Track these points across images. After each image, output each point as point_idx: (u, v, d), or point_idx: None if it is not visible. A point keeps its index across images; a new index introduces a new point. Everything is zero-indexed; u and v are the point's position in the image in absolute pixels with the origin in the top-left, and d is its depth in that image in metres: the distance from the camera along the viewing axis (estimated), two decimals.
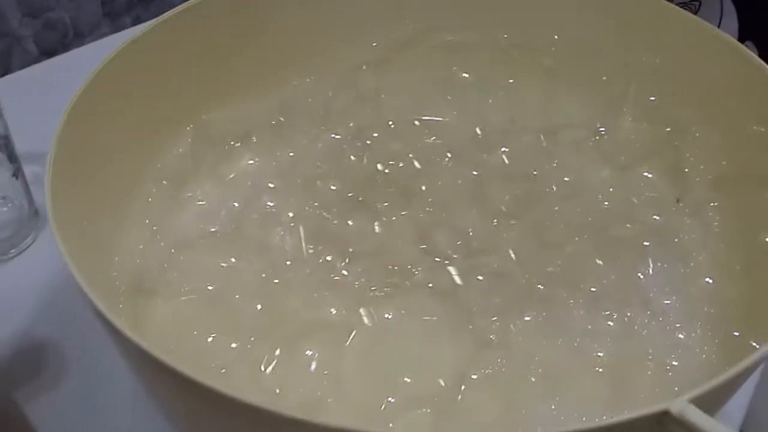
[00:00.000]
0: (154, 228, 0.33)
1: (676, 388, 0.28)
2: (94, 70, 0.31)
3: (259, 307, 0.30)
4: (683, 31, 0.33)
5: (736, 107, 0.32)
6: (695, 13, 0.51)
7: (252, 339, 0.29)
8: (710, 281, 0.31)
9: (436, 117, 0.41)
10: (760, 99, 0.30)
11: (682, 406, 0.19)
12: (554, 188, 0.36)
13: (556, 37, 0.38)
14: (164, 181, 0.35)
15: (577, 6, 0.37)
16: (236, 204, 0.35)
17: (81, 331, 0.34)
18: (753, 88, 0.30)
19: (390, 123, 0.40)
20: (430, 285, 0.32)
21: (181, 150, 0.36)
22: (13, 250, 0.39)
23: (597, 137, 0.38)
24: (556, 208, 0.35)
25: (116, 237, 0.32)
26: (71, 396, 0.32)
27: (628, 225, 0.34)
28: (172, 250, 0.33)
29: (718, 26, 0.50)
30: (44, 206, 0.39)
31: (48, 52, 0.91)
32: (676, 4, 0.48)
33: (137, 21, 1.08)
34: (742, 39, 0.50)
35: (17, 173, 0.38)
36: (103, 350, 0.28)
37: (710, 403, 0.19)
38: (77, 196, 0.28)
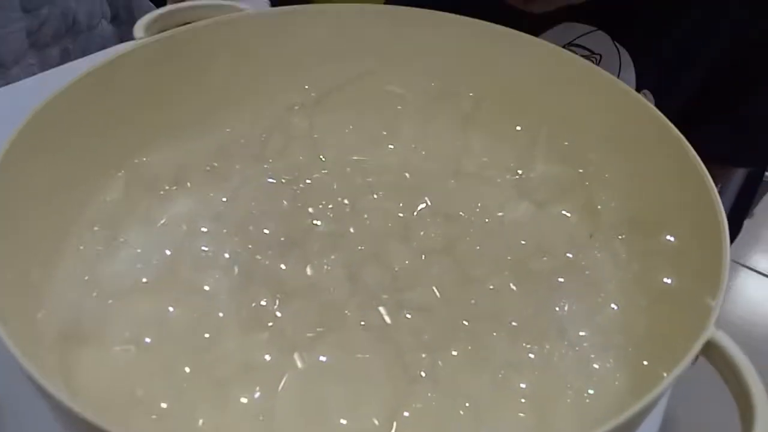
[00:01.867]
0: (86, 277, 0.33)
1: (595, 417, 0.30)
2: (24, 120, 0.31)
3: (192, 354, 0.31)
4: (587, 81, 0.36)
5: (636, 154, 0.34)
6: (597, 63, 0.55)
7: (185, 386, 0.30)
8: (620, 314, 0.34)
9: (365, 158, 0.43)
10: (657, 147, 0.33)
11: None
12: (476, 227, 0.39)
13: (472, 86, 0.41)
14: (96, 227, 0.36)
15: (495, 57, 0.40)
16: (169, 250, 0.36)
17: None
18: (649, 136, 0.33)
19: (323, 165, 0.42)
20: (362, 323, 0.33)
21: (114, 196, 0.37)
22: None
23: (516, 177, 0.40)
24: (478, 247, 0.37)
25: (46, 287, 0.32)
26: None
27: (544, 259, 0.37)
28: (104, 299, 0.33)
29: (618, 77, 0.54)
30: None
31: None
32: (581, 56, 0.51)
33: (65, 52, 1.07)
34: (639, 88, 0.54)
35: None
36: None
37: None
38: (3, 246, 0.28)
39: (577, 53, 0.53)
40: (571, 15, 0.54)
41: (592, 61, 0.53)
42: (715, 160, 0.60)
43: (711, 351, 0.23)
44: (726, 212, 0.68)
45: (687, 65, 0.54)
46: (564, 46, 0.54)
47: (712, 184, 0.30)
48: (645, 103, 0.34)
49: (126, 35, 1.16)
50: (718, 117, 0.56)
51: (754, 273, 1.44)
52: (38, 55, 1.03)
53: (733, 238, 0.77)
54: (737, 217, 0.75)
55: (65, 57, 1.06)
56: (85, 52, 1.08)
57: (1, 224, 0.29)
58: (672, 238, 0.33)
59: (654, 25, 0.54)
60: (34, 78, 0.64)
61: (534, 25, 0.56)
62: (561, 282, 0.36)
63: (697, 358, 0.23)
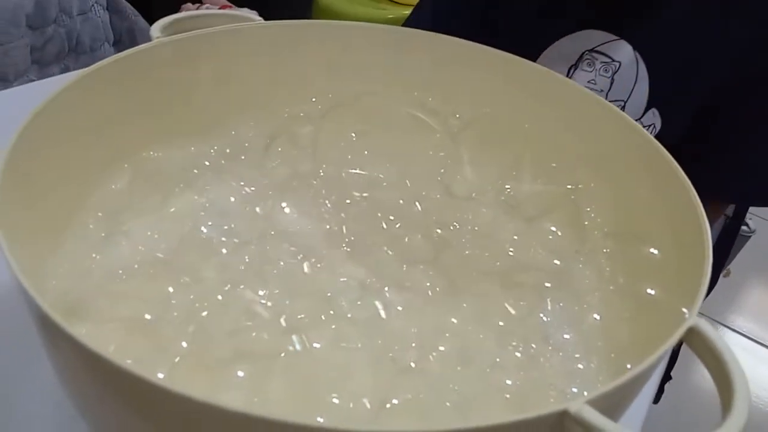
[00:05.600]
0: (93, 255, 0.34)
1: None
2: (37, 106, 0.32)
3: (189, 333, 0.31)
4: (575, 101, 0.39)
5: (623, 170, 0.36)
6: (615, 72, 0.58)
7: (177, 361, 0.30)
8: (603, 323, 0.35)
9: (364, 171, 0.44)
10: (643, 164, 0.35)
11: (579, 406, 0.22)
12: (466, 238, 0.40)
13: (467, 106, 0.43)
14: (99, 213, 0.37)
15: (491, 78, 0.42)
16: (171, 239, 0.37)
17: None
18: (636, 154, 0.35)
19: (322, 172, 0.43)
20: (357, 316, 0.34)
21: (119, 186, 0.38)
22: None
23: (505, 194, 0.42)
24: (467, 254, 0.38)
25: (51, 264, 0.33)
26: None
27: (532, 270, 0.38)
28: (106, 279, 0.34)
29: (632, 89, 0.57)
30: None
31: None
32: (601, 62, 0.54)
33: (65, 71, 1.08)
34: (649, 106, 0.57)
35: None
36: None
37: (604, 405, 0.22)
38: (19, 222, 0.29)
39: (597, 59, 0.57)
40: (598, 22, 0.58)
41: (612, 68, 0.56)
42: (711, 194, 0.64)
43: (693, 337, 0.25)
44: None
45: (697, 87, 0.57)
46: (586, 52, 0.57)
47: (698, 199, 0.32)
48: (631, 122, 0.36)
49: None
50: (717, 151, 0.59)
51: (735, 333, 1.46)
52: (40, 71, 1.05)
53: (709, 290, 0.80)
54: (713, 270, 0.77)
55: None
56: None
57: (17, 201, 0.29)
58: (656, 251, 0.35)
59: (674, 42, 0.57)
60: (35, 83, 0.66)
61: (561, 29, 0.59)
62: (547, 292, 0.37)
63: (681, 344, 0.24)
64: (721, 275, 1.56)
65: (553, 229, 0.41)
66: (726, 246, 0.77)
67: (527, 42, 0.60)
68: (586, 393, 0.30)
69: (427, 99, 0.45)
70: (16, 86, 1.01)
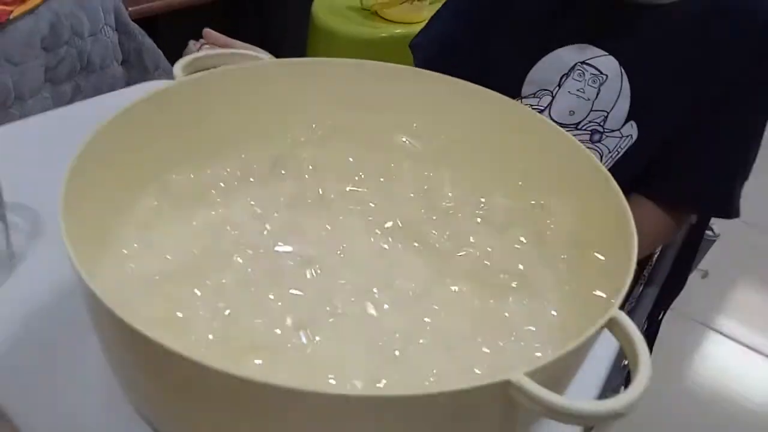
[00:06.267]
0: (130, 265, 0.40)
1: None
2: (87, 138, 0.39)
3: (215, 326, 0.38)
4: (537, 129, 0.45)
5: (575, 187, 0.43)
6: (602, 84, 0.65)
7: (204, 350, 0.37)
8: (559, 317, 0.42)
9: (358, 188, 0.51)
10: (588, 181, 0.41)
11: (518, 377, 0.28)
12: (447, 245, 0.47)
13: (447, 132, 0.50)
14: (134, 228, 0.43)
15: (467, 109, 0.49)
16: (195, 249, 0.43)
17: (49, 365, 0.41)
18: (584, 173, 0.42)
19: (322, 191, 0.50)
20: (350, 313, 0.41)
21: (149, 204, 0.44)
22: None
23: (480, 208, 0.49)
24: (446, 257, 0.45)
25: (96, 271, 0.39)
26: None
27: (501, 273, 0.45)
28: (142, 284, 0.40)
29: (615, 101, 0.66)
30: (20, 251, 0.47)
31: None
32: (591, 74, 0.62)
33: (77, 89, 1.15)
34: (628, 119, 0.66)
35: (2, 218, 0.45)
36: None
37: (542, 378, 0.29)
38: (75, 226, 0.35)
39: (587, 71, 0.65)
40: (590, 38, 0.66)
41: (600, 80, 0.63)
42: (677, 203, 0.71)
43: (614, 326, 0.31)
44: (669, 266, 0.80)
45: (674, 105, 0.65)
46: (578, 63, 0.65)
47: (630, 215, 0.38)
48: (583, 149, 0.43)
49: (134, 76, 1.25)
50: (684, 168, 0.67)
51: (720, 336, 1.52)
52: (53, 89, 1.11)
53: (678, 290, 0.87)
54: (681, 272, 0.84)
55: (77, 92, 1.15)
56: (95, 90, 1.17)
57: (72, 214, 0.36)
58: (601, 256, 0.42)
59: (656, 61, 0.65)
60: (52, 112, 0.73)
61: (558, 42, 0.67)
62: (514, 292, 0.44)
63: (602, 328, 0.31)
64: (700, 277, 1.64)
65: (522, 239, 0.47)
66: (691, 250, 0.83)
67: (529, 49, 0.68)
68: None
69: (412, 125, 0.52)
70: (30, 104, 1.08)
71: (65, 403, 0.41)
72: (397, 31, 1.33)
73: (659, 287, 0.83)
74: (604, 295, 0.40)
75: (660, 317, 0.90)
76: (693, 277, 1.61)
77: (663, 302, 0.88)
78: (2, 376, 0.42)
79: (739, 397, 1.38)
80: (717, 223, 0.88)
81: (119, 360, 0.35)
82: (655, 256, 0.83)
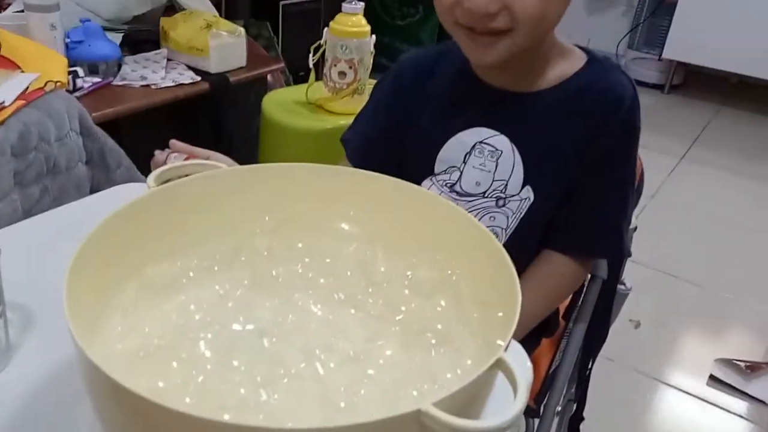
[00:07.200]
0: (117, 346, 0.49)
1: None
2: (82, 243, 0.48)
3: (191, 389, 0.47)
4: (444, 212, 0.57)
5: (478, 257, 0.54)
6: (499, 158, 0.79)
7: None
8: (472, 364, 0.52)
9: (306, 264, 0.61)
10: (486, 252, 0.52)
11: (427, 406, 0.38)
12: (381, 309, 0.57)
13: (379, 221, 0.61)
14: (120, 313, 0.52)
15: (396, 202, 0.60)
16: (171, 327, 0.52)
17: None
18: (482, 245, 0.53)
19: (277, 272, 0.60)
20: (303, 374, 0.50)
21: (130, 293, 0.53)
22: None
23: (408, 278, 0.59)
24: (381, 318, 0.55)
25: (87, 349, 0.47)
26: None
27: (426, 334, 0.55)
28: (127, 359, 0.49)
29: (512, 171, 0.81)
30: (16, 344, 0.55)
31: None
32: (489, 150, 0.76)
33: (44, 190, 1.23)
34: (524, 184, 0.78)
35: (2, 314, 0.53)
36: None
37: (448, 406, 0.38)
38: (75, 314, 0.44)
39: (486, 148, 0.78)
40: (485, 122, 0.81)
41: (497, 155, 0.79)
42: (579, 251, 0.84)
43: (501, 365, 0.41)
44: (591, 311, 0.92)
45: (559, 170, 0.80)
46: (477, 143, 0.81)
47: (517, 278, 0.49)
48: (484, 230, 0.54)
49: (97, 175, 1.34)
50: (578, 220, 0.80)
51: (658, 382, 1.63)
52: (21, 192, 1.19)
53: (601, 341, 0.98)
54: (601, 326, 0.96)
55: (44, 194, 1.23)
56: (61, 190, 1.25)
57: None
58: (501, 313, 0.52)
59: (539, 137, 0.80)
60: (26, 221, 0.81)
61: (459, 126, 0.81)
62: (434, 346, 0.54)
63: (491, 368, 0.41)
64: (633, 327, 1.75)
65: (442, 302, 0.58)
66: (606, 304, 0.95)
67: (437, 134, 0.81)
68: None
69: (350, 213, 0.63)
70: (2, 206, 1.15)
71: None
72: (341, 122, 1.46)
73: (586, 324, 0.94)
74: (503, 344, 0.51)
75: (590, 366, 1.01)
76: (626, 328, 1.72)
77: (591, 352, 0.99)
78: None
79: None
80: (627, 277, 1.00)
81: (112, 420, 0.43)
82: (580, 299, 0.95)
